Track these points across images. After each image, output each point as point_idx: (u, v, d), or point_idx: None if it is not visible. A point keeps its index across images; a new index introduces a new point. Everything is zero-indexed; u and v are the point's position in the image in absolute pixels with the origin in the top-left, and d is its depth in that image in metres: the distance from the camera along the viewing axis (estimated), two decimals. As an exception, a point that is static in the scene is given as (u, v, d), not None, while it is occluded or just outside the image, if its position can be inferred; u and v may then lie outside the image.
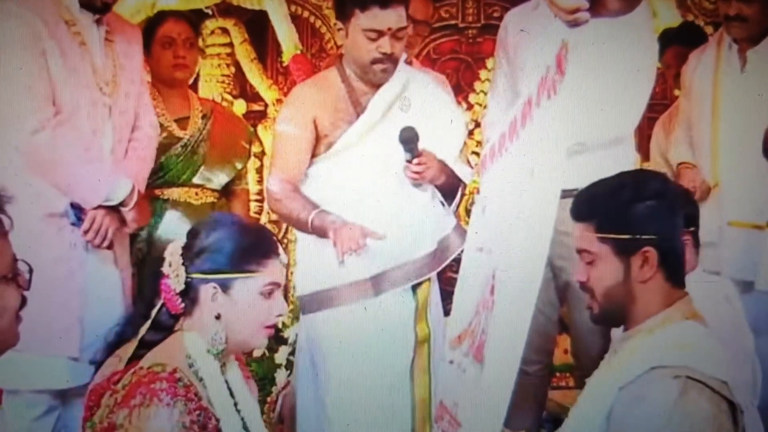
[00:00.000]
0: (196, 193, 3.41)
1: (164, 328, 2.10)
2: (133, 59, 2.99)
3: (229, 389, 2.06)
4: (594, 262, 1.99)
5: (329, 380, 2.89)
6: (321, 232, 2.84)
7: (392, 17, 2.80)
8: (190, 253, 2.05)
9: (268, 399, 3.84)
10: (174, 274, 2.05)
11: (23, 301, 1.61)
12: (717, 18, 3.87)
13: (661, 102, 4.38)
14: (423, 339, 2.92)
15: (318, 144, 2.94)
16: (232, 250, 2.05)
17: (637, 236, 1.96)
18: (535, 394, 3.07)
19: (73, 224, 2.80)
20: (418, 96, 2.98)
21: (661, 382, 1.85)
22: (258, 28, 4.65)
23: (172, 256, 2.06)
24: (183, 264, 2.04)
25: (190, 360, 2.00)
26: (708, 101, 3.39)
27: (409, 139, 2.86)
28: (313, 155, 2.95)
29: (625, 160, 2.90)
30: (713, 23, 4.26)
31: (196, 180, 3.41)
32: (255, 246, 2.08)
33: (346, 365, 2.87)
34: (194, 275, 2.04)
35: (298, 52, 4.39)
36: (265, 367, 4.28)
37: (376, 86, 2.93)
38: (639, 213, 1.97)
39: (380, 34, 2.81)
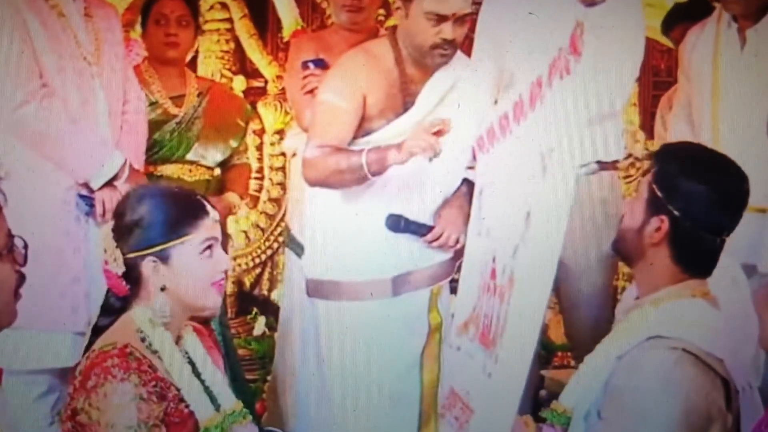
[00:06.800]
0: (190, 170, 3.38)
1: (114, 311, 2.09)
2: (115, 34, 2.98)
3: (190, 359, 2.07)
4: (636, 198, 2.09)
5: (338, 369, 2.84)
6: (381, 165, 2.64)
7: (458, 2, 2.66)
8: (120, 233, 2.05)
9: (268, 378, 3.82)
10: (112, 258, 2.05)
11: (22, 279, 1.59)
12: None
13: (666, 79, 4.34)
14: (435, 327, 2.87)
15: (360, 125, 2.78)
16: (161, 220, 2.04)
17: (666, 203, 2.03)
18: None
19: (87, 214, 2.81)
20: (467, 91, 2.82)
21: (657, 352, 1.91)
22: (258, 3, 4.61)
23: (105, 240, 2.06)
24: (117, 246, 2.04)
25: (142, 334, 2.01)
26: (707, 81, 3.33)
27: (394, 227, 2.77)
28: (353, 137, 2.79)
29: (615, 131, 2.92)
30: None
31: (189, 156, 3.38)
32: (183, 210, 2.07)
33: (357, 353, 2.81)
34: (131, 255, 2.04)
35: (299, 27, 4.35)
36: (265, 345, 4.29)
37: (430, 72, 2.79)
38: (681, 185, 2.04)
39: (443, 18, 2.67)
